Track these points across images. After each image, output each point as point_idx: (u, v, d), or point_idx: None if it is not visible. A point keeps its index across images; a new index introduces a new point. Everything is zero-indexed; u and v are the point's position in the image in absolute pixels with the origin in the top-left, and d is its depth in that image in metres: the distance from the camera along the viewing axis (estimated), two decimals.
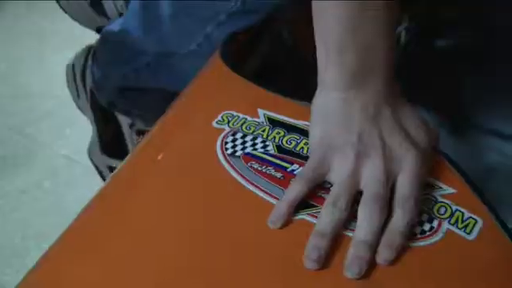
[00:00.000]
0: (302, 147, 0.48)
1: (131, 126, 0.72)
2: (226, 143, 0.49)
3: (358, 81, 0.45)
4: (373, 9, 0.44)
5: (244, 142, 0.49)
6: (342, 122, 0.45)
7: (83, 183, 0.97)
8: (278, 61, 0.62)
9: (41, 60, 1.36)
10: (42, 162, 1.13)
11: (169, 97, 0.58)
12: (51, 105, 1.24)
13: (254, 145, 0.49)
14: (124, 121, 0.72)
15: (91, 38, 1.39)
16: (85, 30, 1.41)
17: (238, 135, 0.50)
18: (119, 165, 0.51)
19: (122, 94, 0.73)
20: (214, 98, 0.55)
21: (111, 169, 0.77)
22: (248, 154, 0.48)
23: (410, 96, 0.51)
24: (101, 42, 0.81)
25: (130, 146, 0.73)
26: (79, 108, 0.84)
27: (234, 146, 0.49)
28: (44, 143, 1.16)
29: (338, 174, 0.44)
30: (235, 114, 0.51)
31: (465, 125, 0.62)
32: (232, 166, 0.47)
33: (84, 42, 1.38)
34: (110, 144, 0.75)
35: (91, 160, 0.80)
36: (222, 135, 0.50)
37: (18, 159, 1.13)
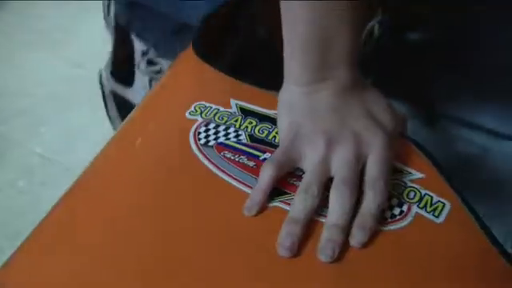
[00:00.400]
0: (274, 136, 0.48)
1: (144, 53, 0.70)
2: (199, 133, 0.49)
3: (320, 75, 0.46)
4: (338, 9, 0.45)
5: (217, 132, 0.49)
6: (307, 113, 0.46)
7: (59, 182, 0.95)
8: (251, 52, 0.62)
9: (11, 59, 1.34)
10: (16, 161, 1.11)
11: (178, 29, 0.57)
12: (25, 103, 1.22)
13: (226, 134, 0.49)
14: (138, 47, 0.71)
15: (62, 34, 1.38)
16: (59, 27, 1.40)
17: (211, 125, 0.50)
18: (93, 158, 0.51)
19: (135, 13, 0.72)
20: (186, 89, 0.55)
21: (114, 94, 0.76)
22: (221, 143, 0.48)
23: (382, 87, 0.52)
24: None
25: (137, 75, 0.71)
26: (106, 25, 0.82)
27: (206, 136, 0.49)
28: (17, 142, 1.15)
29: (310, 162, 0.45)
30: (208, 104, 0.52)
31: (436, 116, 0.63)
32: (205, 156, 0.47)
33: (58, 40, 1.36)
34: (120, 68, 0.74)
35: (100, 80, 0.79)
36: (195, 126, 0.50)
37: None
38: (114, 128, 0.79)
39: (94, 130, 1.12)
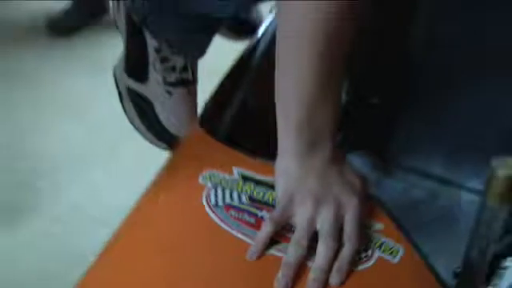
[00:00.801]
0: (269, 197, 0.62)
1: (157, 50, 0.71)
2: (210, 196, 0.62)
3: (310, 149, 0.59)
4: (330, 93, 0.58)
5: (224, 195, 0.62)
6: (299, 180, 0.59)
7: (87, 229, 1.07)
8: (249, 124, 0.75)
9: (39, 126, 1.48)
10: (49, 212, 1.24)
11: (188, 21, 0.64)
12: (54, 161, 1.36)
13: (231, 197, 0.62)
14: (151, 44, 0.71)
15: (81, 102, 1.53)
16: (81, 92, 1.55)
17: (219, 189, 0.63)
18: (120, 223, 0.63)
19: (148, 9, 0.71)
20: (196, 159, 0.68)
21: (129, 90, 0.76)
22: (228, 204, 0.61)
23: (350, 145, 0.64)
24: None
25: (151, 72, 0.71)
26: (116, 23, 0.79)
27: (216, 198, 0.62)
28: (50, 194, 1.28)
29: (300, 220, 0.58)
30: (215, 172, 0.65)
31: (394, 166, 0.76)
32: (216, 215, 0.60)
33: (77, 108, 1.51)
34: (134, 64, 0.74)
35: (114, 76, 0.78)
36: (206, 190, 0.63)
37: (24, 208, 1.24)
38: (132, 123, 0.76)
39: (115, 183, 1.26)
